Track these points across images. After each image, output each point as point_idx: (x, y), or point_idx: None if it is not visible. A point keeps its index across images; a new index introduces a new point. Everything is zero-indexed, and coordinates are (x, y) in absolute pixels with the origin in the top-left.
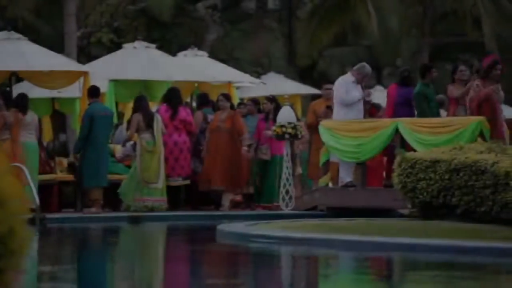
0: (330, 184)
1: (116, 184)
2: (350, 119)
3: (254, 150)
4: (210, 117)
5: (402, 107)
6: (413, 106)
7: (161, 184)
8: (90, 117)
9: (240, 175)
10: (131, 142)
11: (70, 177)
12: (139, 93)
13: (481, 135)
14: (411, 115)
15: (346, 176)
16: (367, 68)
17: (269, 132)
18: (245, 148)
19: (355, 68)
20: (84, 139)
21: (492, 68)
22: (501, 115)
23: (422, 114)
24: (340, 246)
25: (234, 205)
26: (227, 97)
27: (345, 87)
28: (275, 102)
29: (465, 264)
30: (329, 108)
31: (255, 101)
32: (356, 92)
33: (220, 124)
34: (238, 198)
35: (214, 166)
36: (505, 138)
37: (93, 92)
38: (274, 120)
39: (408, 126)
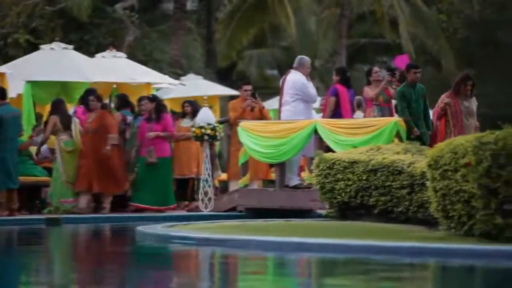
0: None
1: (34, 187)
2: (308, 116)
3: (136, 150)
4: (129, 118)
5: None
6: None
7: None
8: None
9: (118, 175)
10: (45, 146)
11: None
12: (57, 95)
13: (398, 135)
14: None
15: (294, 177)
16: (307, 58)
17: (153, 134)
18: (107, 147)
19: (297, 65)
20: None
21: (461, 84)
22: (463, 128)
23: (400, 114)
24: (258, 246)
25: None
26: (98, 97)
27: (307, 86)
28: (156, 102)
29: (382, 264)
30: (254, 96)
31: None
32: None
33: (88, 125)
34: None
35: (89, 169)
36: None
37: (0, 94)
38: (156, 120)
39: (326, 127)
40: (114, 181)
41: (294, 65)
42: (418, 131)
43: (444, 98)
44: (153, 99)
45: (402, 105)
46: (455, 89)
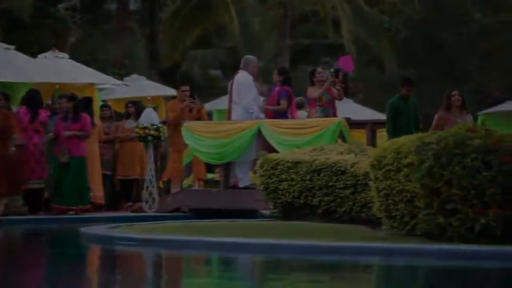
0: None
1: None
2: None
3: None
4: None
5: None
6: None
7: None
8: None
9: (19, 177)
10: None
11: None
12: None
13: (342, 136)
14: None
15: (245, 178)
16: (253, 57)
17: (69, 133)
18: (12, 148)
19: (242, 65)
20: None
21: (448, 98)
22: None
23: (388, 123)
24: (202, 247)
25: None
26: (4, 95)
27: (250, 90)
28: (74, 101)
29: (326, 264)
30: (192, 96)
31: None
32: (256, 91)
33: None
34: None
35: None
36: None
37: None
38: (73, 120)
39: (270, 127)
40: (12, 182)
41: (241, 66)
42: None
43: (437, 119)
44: (71, 98)
45: (389, 115)
46: (445, 105)
